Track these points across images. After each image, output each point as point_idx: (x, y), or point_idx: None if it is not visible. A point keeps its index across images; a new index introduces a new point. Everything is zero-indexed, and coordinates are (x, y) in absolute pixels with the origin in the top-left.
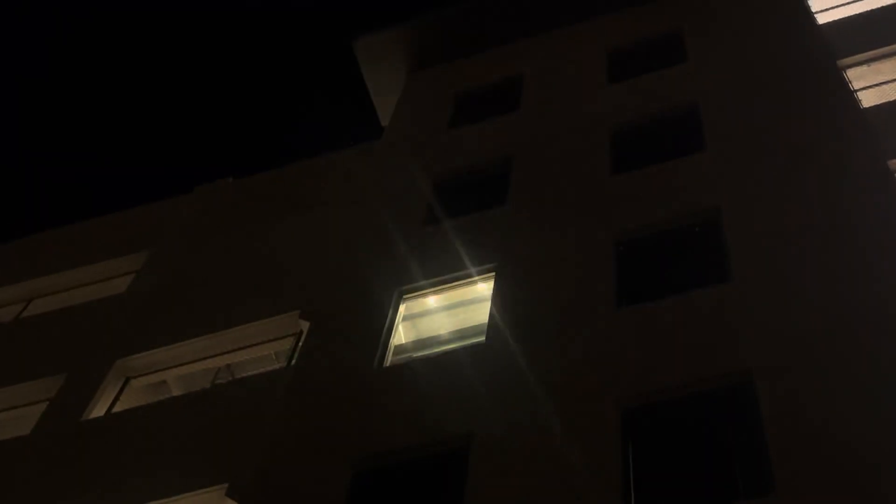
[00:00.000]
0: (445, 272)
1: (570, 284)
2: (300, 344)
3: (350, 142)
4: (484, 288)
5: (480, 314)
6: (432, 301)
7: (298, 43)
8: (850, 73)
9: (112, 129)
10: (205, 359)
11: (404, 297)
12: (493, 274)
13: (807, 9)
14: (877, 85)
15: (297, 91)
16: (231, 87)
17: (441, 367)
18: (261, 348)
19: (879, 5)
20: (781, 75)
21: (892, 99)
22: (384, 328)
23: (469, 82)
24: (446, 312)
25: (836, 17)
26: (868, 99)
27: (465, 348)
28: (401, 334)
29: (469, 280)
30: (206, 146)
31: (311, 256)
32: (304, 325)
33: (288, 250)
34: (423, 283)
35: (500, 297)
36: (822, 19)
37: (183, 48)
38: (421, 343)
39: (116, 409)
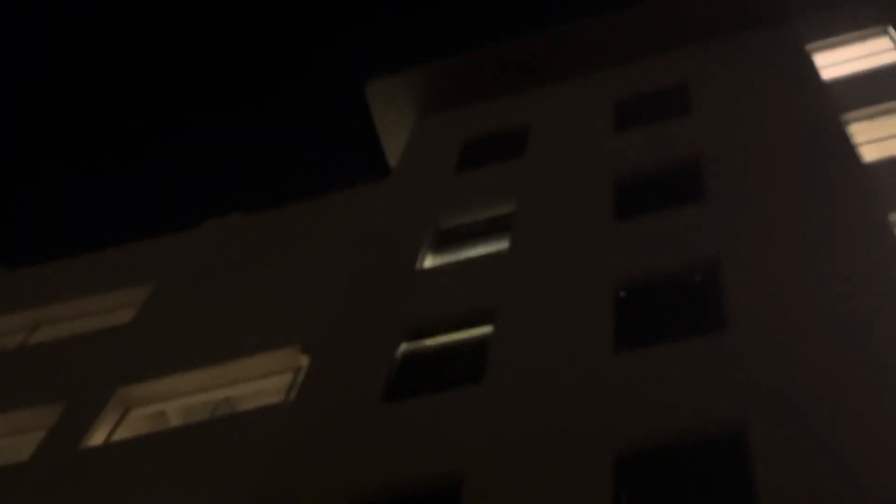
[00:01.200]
0: (445, 314)
1: (569, 328)
2: (300, 378)
3: (358, 181)
4: (484, 329)
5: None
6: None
7: (313, 84)
8: (853, 128)
9: (125, 162)
10: (205, 391)
11: (405, 337)
12: (493, 315)
13: (811, 64)
14: (879, 140)
15: (309, 130)
16: (244, 123)
17: (440, 405)
18: (261, 382)
19: (884, 63)
20: (784, 128)
21: (894, 154)
22: (385, 364)
23: (477, 128)
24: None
25: (840, 74)
26: (870, 153)
27: (463, 387)
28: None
29: (470, 322)
30: (218, 182)
31: (314, 293)
32: (304, 360)
33: (291, 286)
34: (422, 322)
35: (499, 339)
36: (826, 75)
37: (198, 84)
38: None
39: (115, 438)
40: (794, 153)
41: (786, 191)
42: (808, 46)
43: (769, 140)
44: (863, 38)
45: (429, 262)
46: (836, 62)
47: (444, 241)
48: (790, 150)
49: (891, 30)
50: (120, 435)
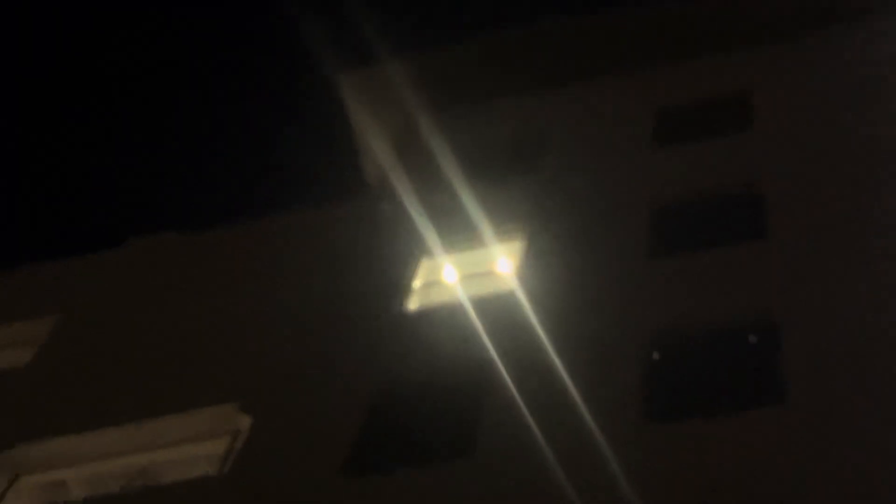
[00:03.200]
0: (428, 366)
1: None
2: (238, 444)
3: (326, 197)
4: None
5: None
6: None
7: (273, 71)
8: None
9: (26, 163)
10: (117, 456)
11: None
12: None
13: None
14: None
15: (268, 131)
16: (183, 118)
17: (415, 483)
18: (189, 447)
19: None
20: (865, 151)
21: None
22: (350, 427)
23: (481, 137)
24: None
25: None
26: None
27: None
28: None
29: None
30: (146, 192)
31: (262, 334)
32: (245, 421)
33: (233, 325)
34: (400, 375)
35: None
36: None
37: (118, 70)
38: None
39: None
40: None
41: (858, 233)
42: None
43: (840, 168)
44: None
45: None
46: None
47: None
48: (871, 180)
49: None
50: None
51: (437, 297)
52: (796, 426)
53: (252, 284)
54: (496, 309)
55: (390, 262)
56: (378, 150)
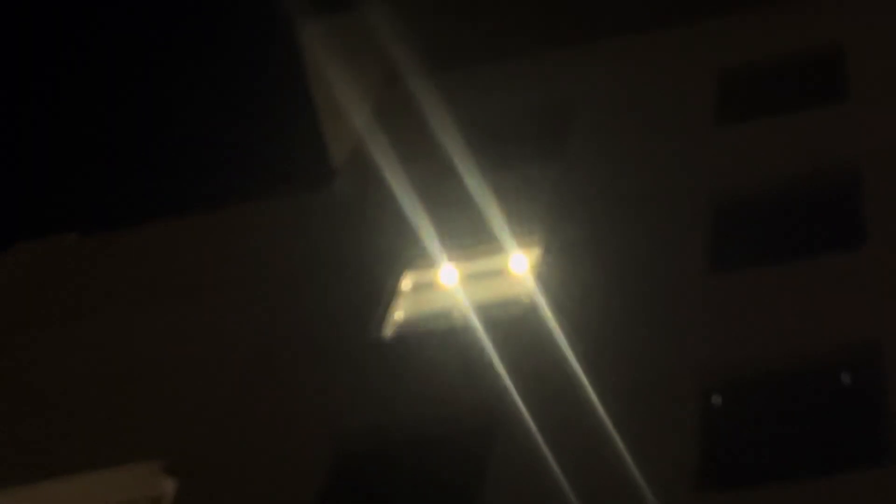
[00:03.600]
0: (414, 410)
1: None
2: None
3: (285, 190)
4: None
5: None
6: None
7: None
8: None
9: None
10: None
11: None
12: None
13: None
14: None
15: (207, 105)
16: (90, 87)
17: None
18: None
19: None
20: None
21: None
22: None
23: (487, 110)
24: None
25: None
26: None
27: None
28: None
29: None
30: (39, 182)
31: (193, 369)
32: (168, 485)
33: (155, 356)
34: (375, 423)
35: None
36: None
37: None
38: None
39: None
40: None
41: None
42: None
43: None
44: None
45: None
46: None
47: None
48: None
49: None
50: None
51: (428, 306)
52: None
53: (179, 302)
54: (509, 324)
55: (366, 267)
56: (353, 120)
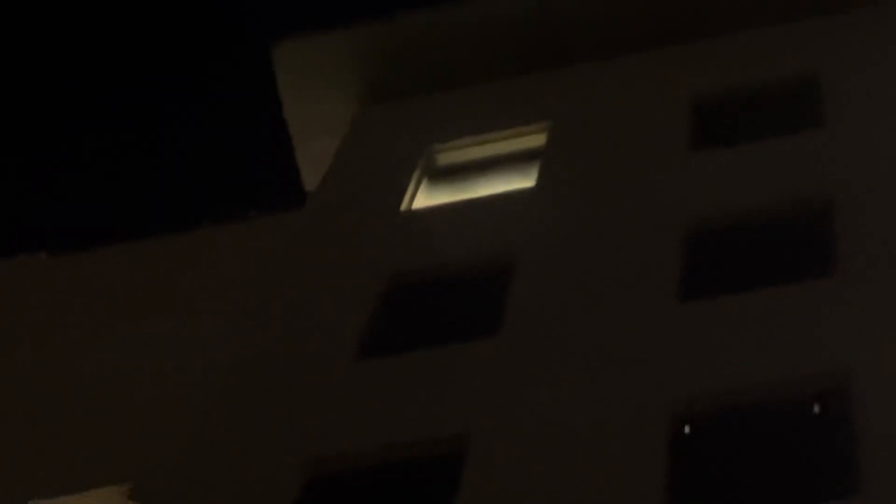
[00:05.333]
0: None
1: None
2: None
3: (255, 212)
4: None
5: None
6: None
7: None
8: None
9: None
10: None
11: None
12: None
13: None
14: None
15: (175, 126)
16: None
17: None
18: None
19: None
20: None
21: None
22: None
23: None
24: None
25: None
26: None
27: None
28: None
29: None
30: (7, 204)
31: (158, 394)
32: None
33: (120, 381)
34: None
35: None
36: None
37: None
38: None
39: None
40: None
41: None
42: None
43: None
44: None
45: (366, 348)
46: None
47: (396, 313)
48: None
49: None
50: None
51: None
52: None
53: (148, 323)
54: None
55: (340, 288)
56: (326, 142)
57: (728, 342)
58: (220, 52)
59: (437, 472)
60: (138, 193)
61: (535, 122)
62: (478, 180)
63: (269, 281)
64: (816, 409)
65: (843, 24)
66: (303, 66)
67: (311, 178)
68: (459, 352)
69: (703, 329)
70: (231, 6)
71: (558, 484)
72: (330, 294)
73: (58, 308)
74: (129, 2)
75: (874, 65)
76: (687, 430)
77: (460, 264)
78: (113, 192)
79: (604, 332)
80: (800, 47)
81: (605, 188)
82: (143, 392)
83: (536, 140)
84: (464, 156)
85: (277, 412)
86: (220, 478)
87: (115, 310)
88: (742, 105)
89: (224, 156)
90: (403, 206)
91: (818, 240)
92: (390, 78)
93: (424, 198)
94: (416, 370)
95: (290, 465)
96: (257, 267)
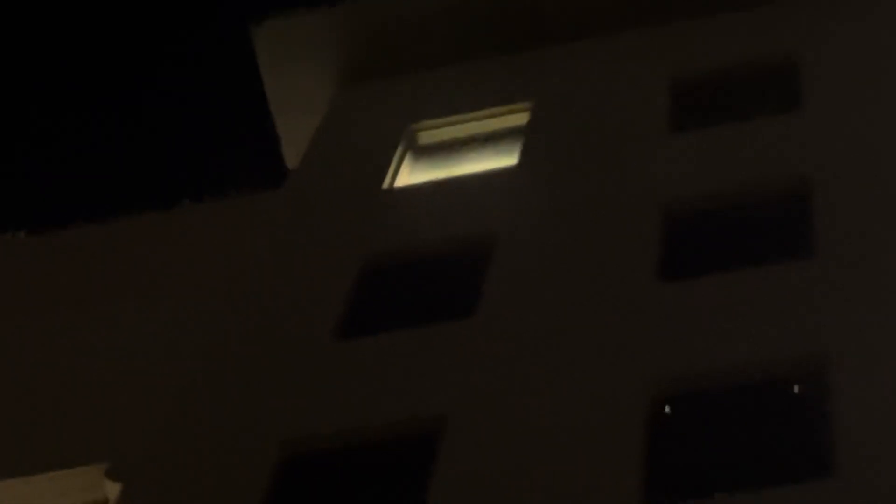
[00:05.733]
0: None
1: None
2: None
3: (236, 189)
4: None
5: None
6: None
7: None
8: None
9: None
10: None
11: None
12: None
13: None
14: None
15: (154, 107)
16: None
17: None
18: None
19: None
20: None
21: None
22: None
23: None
24: None
25: None
26: None
27: None
28: None
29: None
30: None
31: (143, 368)
32: (111, 489)
33: (99, 360)
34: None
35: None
36: None
37: None
38: None
39: None
40: None
41: None
42: None
43: None
44: None
45: (345, 329)
46: None
47: (377, 294)
48: None
49: None
50: None
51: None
52: None
53: (126, 302)
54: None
55: (318, 268)
56: (307, 119)
57: (707, 323)
58: (200, 29)
59: (413, 454)
60: (117, 172)
61: (517, 102)
62: (459, 159)
63: (247, 260)
64: (796, 390)
65: (822, 7)
66: (283, 44)
67: (291, 157)
68: (437, 332)
69: (683, 310)
70: None
71: (536, 465)
72: (308, 274)
73: (35, 287)
74: None
75: (852, 47)
76: (667, 410)
77: (441, 243)
78: (91, 170)
79: (583, 312)
80: (779, 30)
81: (586, 168)
82: (120, 372)
83: (518, 119)
84: (445, 134)
85: (254, 392)
86: (196, 458)
87: (93, 289)
88: (721, 87)
89: (204, 134)
90: (384, 186)
91: (796, 222)
92: (371, 56)
93: (405, 177)
94: (393, 351)
95: (266, 445)
96: (236, 246)
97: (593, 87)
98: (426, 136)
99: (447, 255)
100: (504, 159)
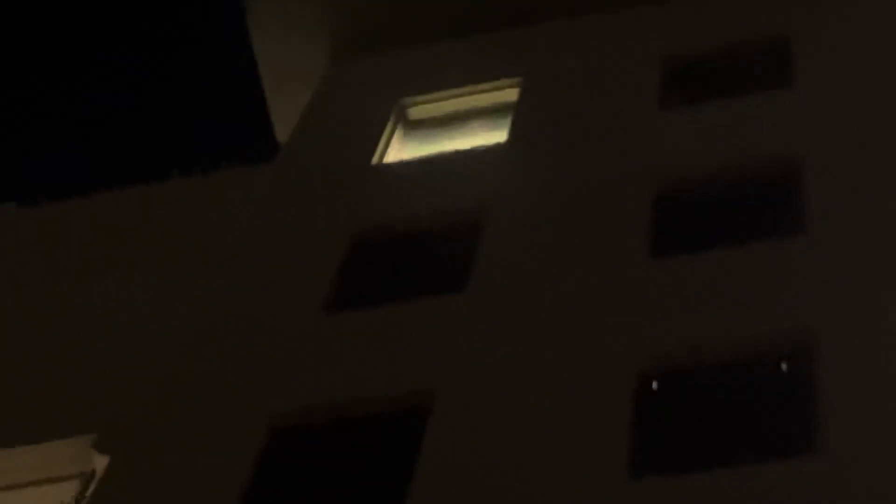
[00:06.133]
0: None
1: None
2: (91, 490)
3: (226, 163)
4: None
5: None
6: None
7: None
8: None
9: None
10: None
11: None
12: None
13: None
14: None
15: (138, 77)
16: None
17: None
18: (26, 492)
19: None
20: None
21: None
22: (246, 469)
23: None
24: None
25: None
26: None
27: None
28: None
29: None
30: None
31: (125, 345)
32: (100, 462)
33: (87, 332)
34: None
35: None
36: None
37: None
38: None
39: None
40: None
41: None
42: None
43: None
44: None
45: (337, 301)
46: None
47: (363, 272)
48: None
49: None
50: None
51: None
52: (830, 482)
53: (115, 275)
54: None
55: (308, 242)
56: (299, 94)
57: (696, 300)
58: (192, 2)
59: (401, 428)
60: (109, 144)
61: (508, 77)
62: (449, 134)
63: (238, 233)
64: (784, 367)
65: None
66: (275, 17)
67: (282, 130)
68: (427, 307)
69: (672, 286)
70: None
71: (524, 440)
72: (298, 247)
73: (25, 259)
74: None
75: (844, 25)
76: (655, 386)
77: (431, 218)
78: (83, 142)
79: (572, 288)
80: (770, 7)
81: (576, 144)
82: (109, 343)
83: (508, 95)
84: (436, 110)
85: (243, 365)
86: (184, 431)
87: (82, 262)
88: (713, 64)
89: (195, 107)
90: (374, 160)
91: (787, 199)
92: (363, 31)
93: (396, 151)
94: (382, 325)
95: (254, 419)
96: (226, 220)
97: (584, 63)
98: (417, 111)
99: (437, 230)
100: (494, 135)
